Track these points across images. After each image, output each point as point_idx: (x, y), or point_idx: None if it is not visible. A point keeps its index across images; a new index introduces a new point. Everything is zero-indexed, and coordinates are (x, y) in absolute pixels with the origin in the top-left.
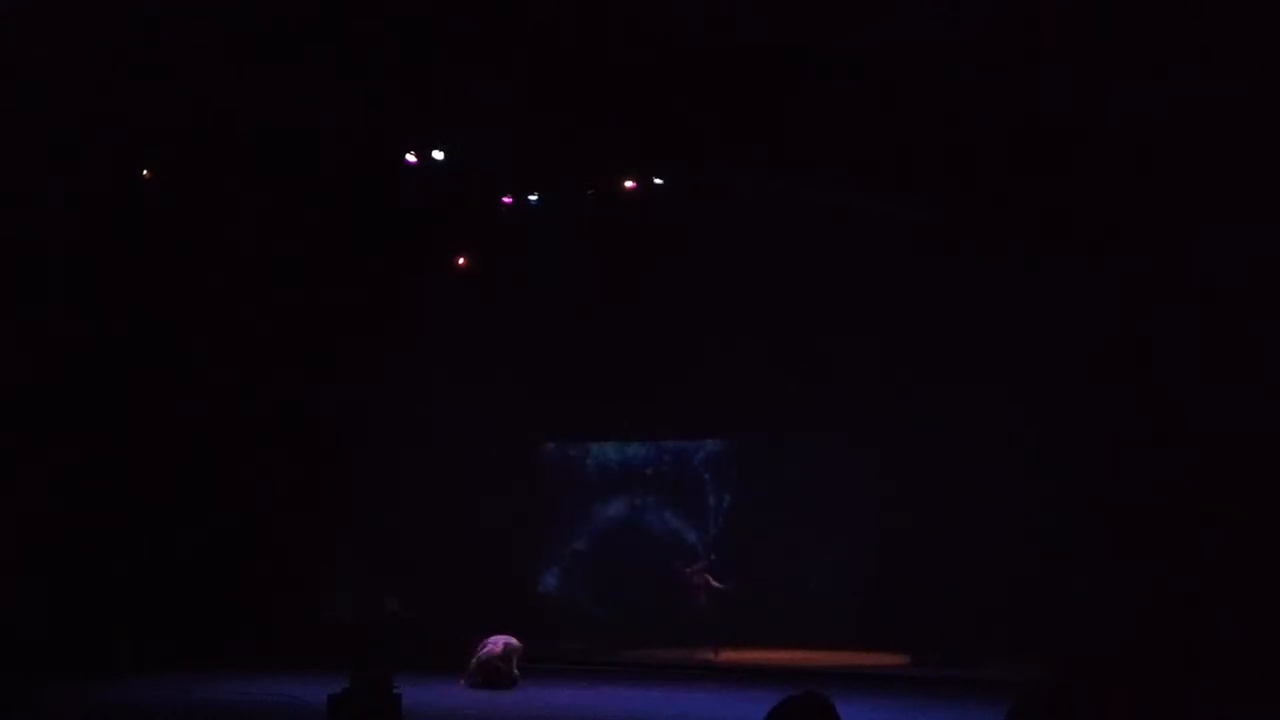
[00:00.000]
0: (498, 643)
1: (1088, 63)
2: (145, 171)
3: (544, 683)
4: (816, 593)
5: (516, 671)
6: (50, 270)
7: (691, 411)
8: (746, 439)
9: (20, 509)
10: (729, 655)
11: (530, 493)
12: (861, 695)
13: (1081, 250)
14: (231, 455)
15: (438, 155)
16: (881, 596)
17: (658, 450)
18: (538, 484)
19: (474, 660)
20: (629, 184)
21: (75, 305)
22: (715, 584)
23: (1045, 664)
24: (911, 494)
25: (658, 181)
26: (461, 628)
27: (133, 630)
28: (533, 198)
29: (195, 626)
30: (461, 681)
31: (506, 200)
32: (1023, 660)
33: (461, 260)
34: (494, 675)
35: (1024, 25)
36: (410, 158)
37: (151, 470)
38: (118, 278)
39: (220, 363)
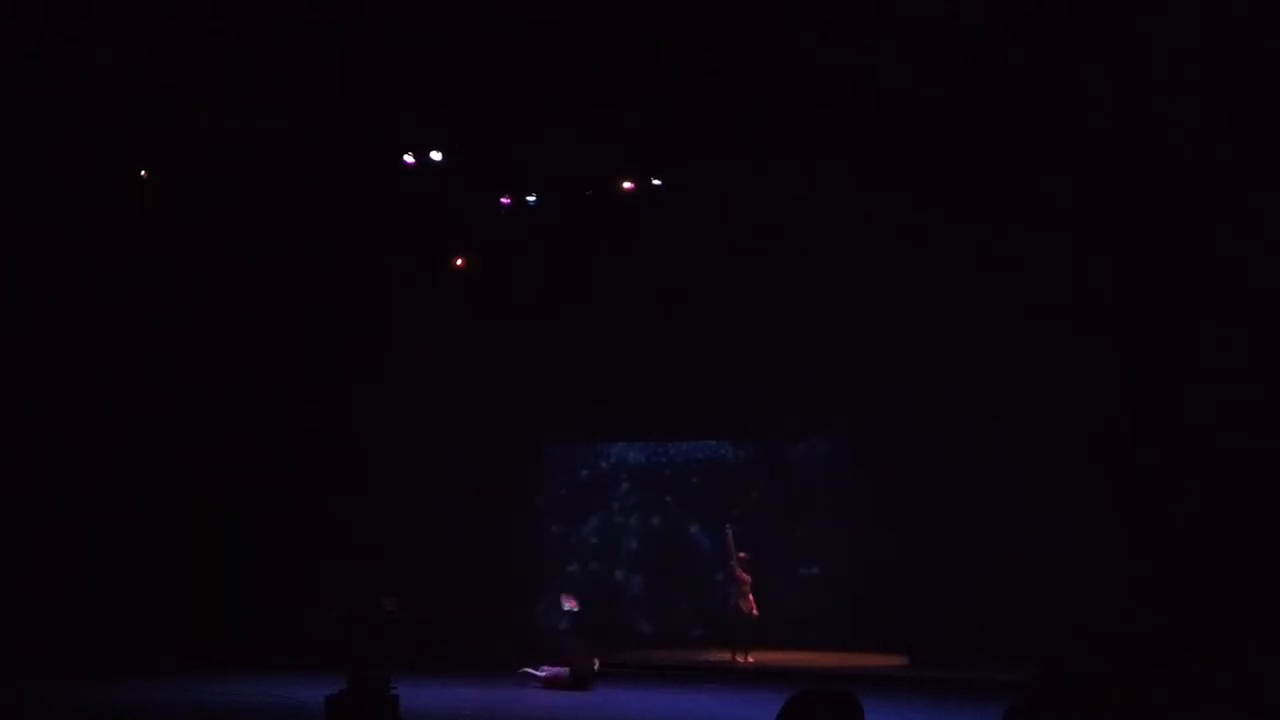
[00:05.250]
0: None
1: (1088, 64)
2: (143, 172)
3: (542, 684)
4: (817, 594)
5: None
6: (48, 269)
7: (691, 412)
8: (746, 440)
9: (21, 508)
10: (727, 656)
11: (531, 494)
12: (861, 695)
13: (1079, 257)
14: (232, 456)
15: (436, 156)
16: (881, 598)
17: (658, 451)
18: (539, 485)
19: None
20: (628, 184)
21: (73, 302)
22: (752, 603)
23: (1043, 665)
24: (911, 497)
25: (656, 182)
26: (461, 628)
27: (134, 631)
28: (531, 198)
29: (195, 627)
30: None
31: (505, 200)
32: (1020, 662)
33: (460, 261)
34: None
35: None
36: (409, 158)
37: (151, 471)
38: (118, 275)
39: (221, 363)
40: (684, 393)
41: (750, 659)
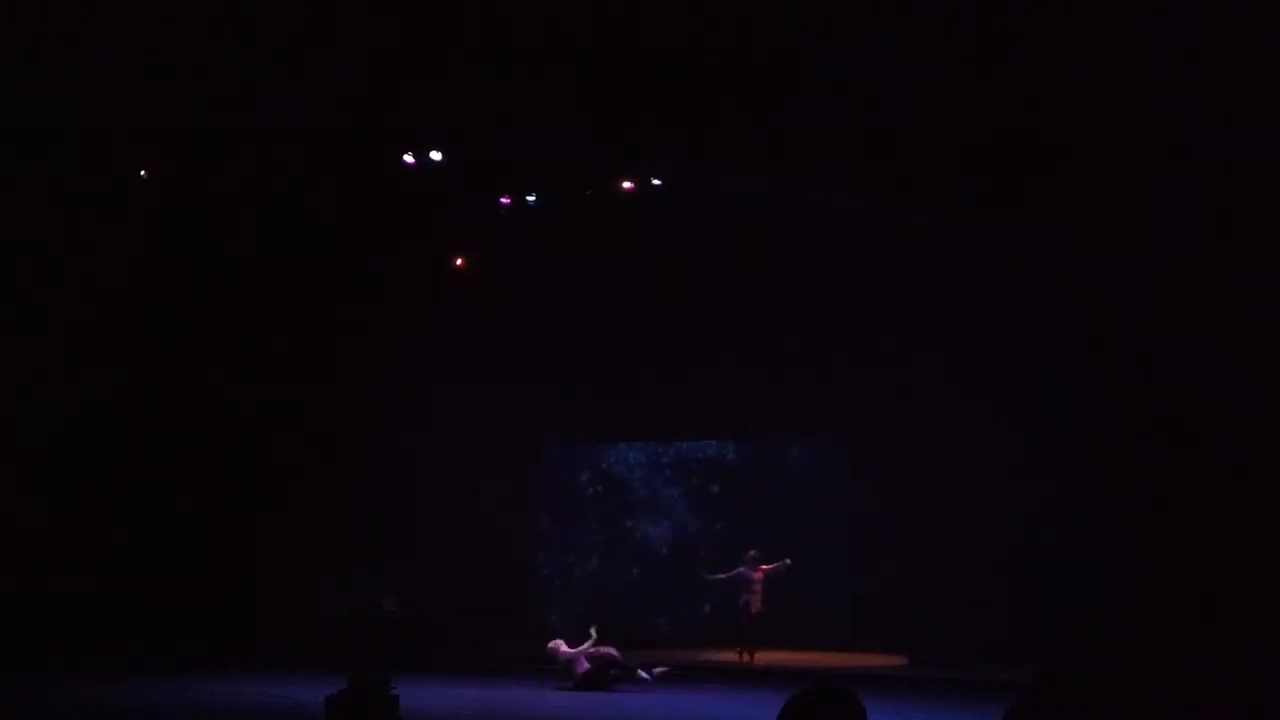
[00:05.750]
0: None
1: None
2: (143, 171)
3: (542, 684)
4: (816, 594)
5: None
6: (51, 266)
7: (691, 412)
8: (746, 440)
9: (21, 508)
10: (734, 655)
11: (531, 494)
12: (861, 695)
13: (1079, 257)
14: (232, 457)
15: (436, 156)
16: (881, 598)
17: (658, 452)
18: (539, 485)
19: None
20: (627, 184)
21: (73, 300)
22: (772, 566)
23: (1043, 665)
24: (911, 497)
25: (656, 182)
26: (461, 628)
27: (133, 631)
28: (531, 198)
29: (195, 627)
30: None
31: (505, 200)
32: (1020, 662)
33: (460, 261)
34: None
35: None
36: (409, 158)
37: (151, 471)
38: (119, 276)
39: (221, 363)
40: (684, 393)
41: (755, 659)
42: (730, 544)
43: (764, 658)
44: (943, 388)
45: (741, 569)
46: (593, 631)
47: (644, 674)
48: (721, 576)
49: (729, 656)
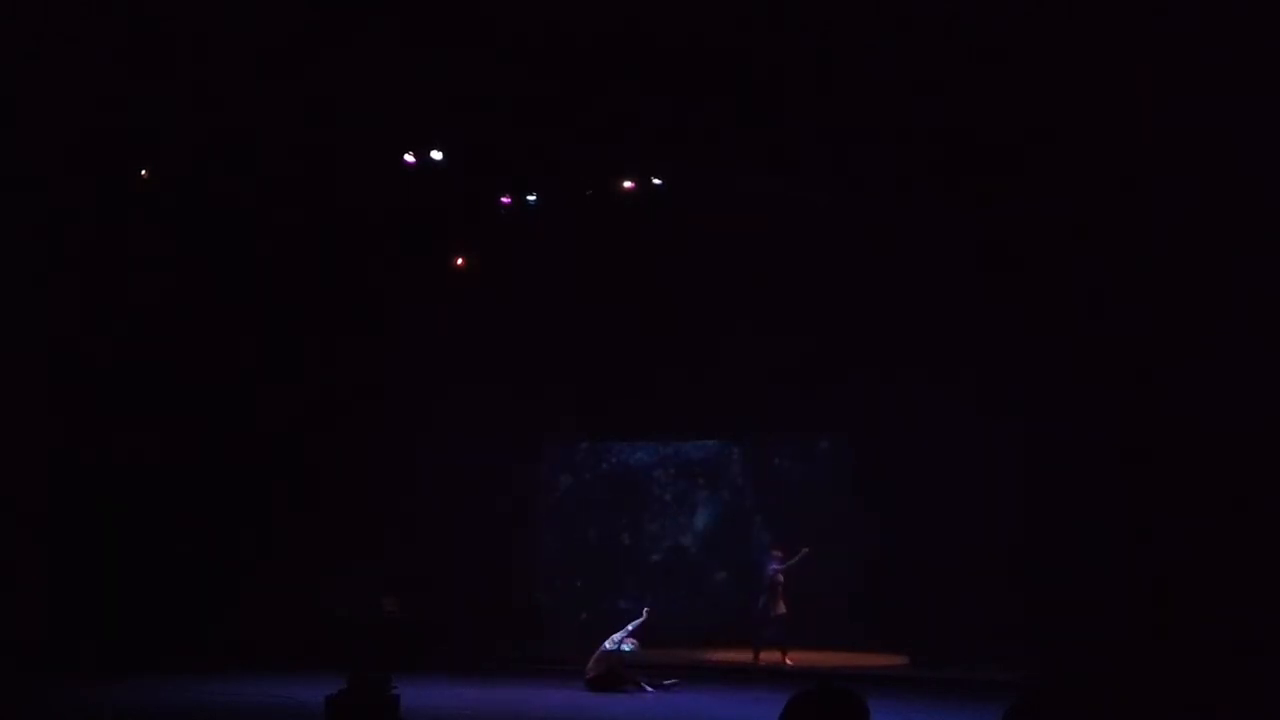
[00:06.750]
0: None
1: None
2: (144, 171)
3: (541, 683)
4: (817, 594)
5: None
6: (52, 263)
7: (692, 412)
8: (746, 439)
9: (21, 508)
10: (728, 656)
11: (532, 494)
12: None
13: (1080, 256)
14: (232, 457)
15: (436, 156)
16: (881, 598)
17: (660, 451)
18: (540, 485)
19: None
20: (628, 184)
21: (74, 299)
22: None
23: (1042, 666)
24: (911, 497)
25: (656, 182)
26: (461, 628)
27: (133, 631)
28: (531, 198)
29: (195, 627)
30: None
31: (505, 200)
32: (1020, 662)
33: (460, 261)
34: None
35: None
36: (409, 158)
37: (152, 470)
38: (121, 276)
39: (221, 363)
40: (686, 392)
41: (760, 659)
42: (730, 544)
43: (764, 658)
44: (944, 387)
45: (774, 567)
46: (644, 611)
47: (648, 688)
48: (778, 571)
49: (736, 657)
